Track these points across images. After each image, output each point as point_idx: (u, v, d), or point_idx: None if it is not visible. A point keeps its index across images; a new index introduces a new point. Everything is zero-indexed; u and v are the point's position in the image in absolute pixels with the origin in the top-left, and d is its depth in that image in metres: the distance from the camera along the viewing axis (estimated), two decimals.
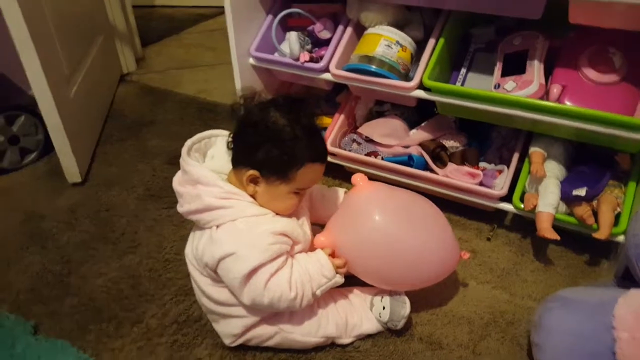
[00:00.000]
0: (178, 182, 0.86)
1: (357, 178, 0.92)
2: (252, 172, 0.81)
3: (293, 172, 0.81)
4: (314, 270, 0.85)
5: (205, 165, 0.87)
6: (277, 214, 0.85)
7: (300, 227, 0.87)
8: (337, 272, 0.87)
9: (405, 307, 0.92)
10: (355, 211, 0.90)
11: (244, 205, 0.82)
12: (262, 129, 0.80)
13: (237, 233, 0.80)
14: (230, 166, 0.87)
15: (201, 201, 0.81)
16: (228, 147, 0.87)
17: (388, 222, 0.88)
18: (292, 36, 1.21)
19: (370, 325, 0.94)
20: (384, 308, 0.92)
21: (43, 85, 1.24)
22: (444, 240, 0.91)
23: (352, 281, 1.01)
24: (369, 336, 0.95)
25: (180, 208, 0.86)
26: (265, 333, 0.89)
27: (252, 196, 0.84)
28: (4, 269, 1.12)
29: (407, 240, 0.87)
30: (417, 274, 0.90)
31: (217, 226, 0.81)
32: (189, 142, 0.87)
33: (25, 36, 1.16)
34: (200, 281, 0.87)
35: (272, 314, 0.88)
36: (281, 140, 0.79)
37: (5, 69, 1.63)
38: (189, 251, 0.89)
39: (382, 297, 0.94)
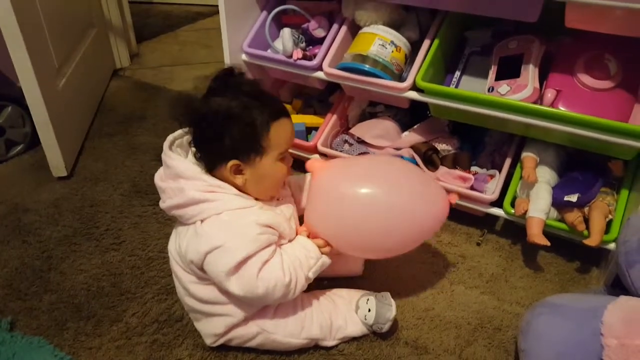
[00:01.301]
0: (160, 178, 0.84)
1: (311, 164, 0.90)
2: (231, 163, 0.79)
3: (264, 139, 0.79)
4: (300, 254, 0.84)
5: (189, 160, 0.85)
6: (267, 199, 0.84)
7: (287, 222, 0.86)
8: (321, 253, 0.86)
9: (391, 309, 0.90)
10: (321, 192, 0.87)
11: (229, 198, 0.80)
12: (213, 119, 0.78)
13: (223, 226, 0.78)
14: None
15: (184, 195, 0.79)
16: (195, 157, 0.83)
17: (355, 188, 0.84)
18: (286, 32, 1.19)
19: (355, 327, 0.92)
20: (369, 310, 0.91)
21: (30, 76, 1.21)
22: (424, 191, 0.88)
23: (337, 283, 1.00)
24: (354, 339, 0.93)
25: (163, 204, 0.83)
26: (248, 333, 0.87)
27: (243, 187, 0.82)
28: None
29: (381, 200, 0.84)
30: (404, 232, 0.87)
31: (202, 221, 0.79)
32: (170, 137, 0.85)
33: (13, 25, 1.14)
34: (184, 279, 0.85)
35: (255, 314, 0.86)
36: (235, 118, 0.78)
37: None
38: (172, 248, 0.87)
39: (368, 299, 0.92)
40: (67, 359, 0.88)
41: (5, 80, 1.65)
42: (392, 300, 0.92)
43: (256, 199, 0.84)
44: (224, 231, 0.78)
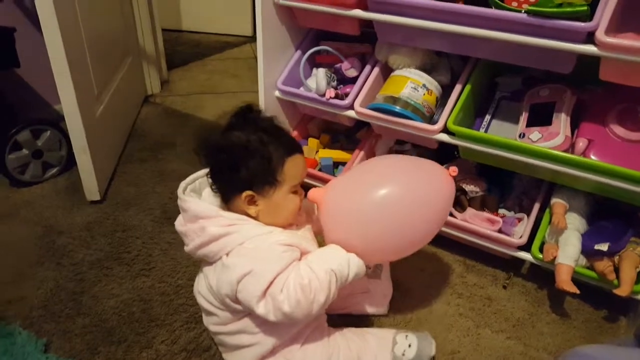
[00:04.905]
0: (180, 224, 0.88)
1: (313, 196, 0.90)
2: (245, 193, 0.83)
3: (279, 173, 0.83)
4: (319, 252, 0.85)
5: (203, 201, 0.88)
6: (286, 226, 0.87)
7: (308, 242, 0.88)
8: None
9: (432, 346, 0.92)
10: (334, 216, 0.88)
11: (248, 228, 0.83)
12: (232, 151, 0.82)
13: (247, 253, 0.80)
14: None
15: (206, 233, 0.82)
16: (212, 189, 0.88)
17: (363, 198, 0.86)
18: (320, 73, 1.23)
19: None
20: (409, 346, 0.91)
21: (73, 104, 1.26)
22: (425, 173, 0.89)
23: (363, 322, 1.01)
24: None
25: (187, 247, 0.86)
26: None
27: (257, 217, 0.85)
28: (19, 282, 1.12)
29: (391, 197, 0.85)
30: (423, 218, 0.87)
31: (227, 254, 0.81)
32: (183, 183, 0.89)
33: (62, 56, 1.19)
34: (219, 314, 0.87)
35: (283, 345, 0.87)
36: (253, 151, 0.82)
37: (32, 81, 1.67)
38: (201, 290, 0.89)
39: (407, 335, 0.93)
40: None
41: (44, 103, 1.72)
42: (432, 338, 0.94)
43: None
44: (250, 258, 0.80)
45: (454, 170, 0.90)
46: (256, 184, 0.83)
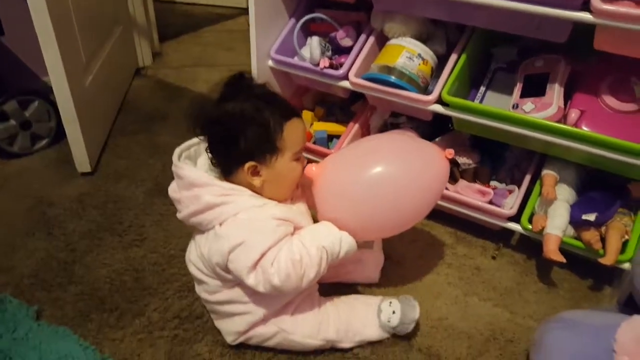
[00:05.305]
0: (173, 190, 0.87)
1: (309, 172, 0.90)
2: (248, 164, 0.82)
3: (279, 139, 0.82)
4: (312, 228, 0.86)
5: (199, 168, 0.88)
6: (281, 200, 0.86)
7: (302, 216, 0.89)
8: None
9: (415, 309, 0.93)
10: (328, 192, 0.89)
11: (244, 199, 0.82)
12: (227, 122, 0.81)
13: (241, 224, 0.80)
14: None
15: (200, 201, 0.81)
16: (212, 162, 0.87)
17: (357, 176, 0.86)
18: (314, 41, 1.22)
19: (372, 331, 0.94)
20: (393, 312, 0.93)
21: (60, 73, 1.24)
22: (421, 154, 0.90)
23: (353, 290, 1.02)
24: (369, 344, 0.94)
25: (180, 214, 0.86)
26: (266, 332, 0.89)
27: (260, 188, 0.84)
28: (9, 253, 1.12)
29: (385, 176, 0.86)
30: (416, 198, 0.88)
31: (220, 224, 0.81)
32: (177, 149, 0.87)
33: (46, 22, 1.17)
34: (210, 283, 0.88)
35: (274, 313, 0.88)
36: (250, 119, 0.80)
37: (20, 53, 1.64)
38: (192, 258, 0.89)
39: (391, 302, 0.94)
40: (91, 349, 0.91)
41: (33, 75, 1.69)
42: (415, 301, 0.94)
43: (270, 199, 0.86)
44: (243, 229, 0.80)
45: (449, 152, 0.90)
46: (257, 154, 0.82)
